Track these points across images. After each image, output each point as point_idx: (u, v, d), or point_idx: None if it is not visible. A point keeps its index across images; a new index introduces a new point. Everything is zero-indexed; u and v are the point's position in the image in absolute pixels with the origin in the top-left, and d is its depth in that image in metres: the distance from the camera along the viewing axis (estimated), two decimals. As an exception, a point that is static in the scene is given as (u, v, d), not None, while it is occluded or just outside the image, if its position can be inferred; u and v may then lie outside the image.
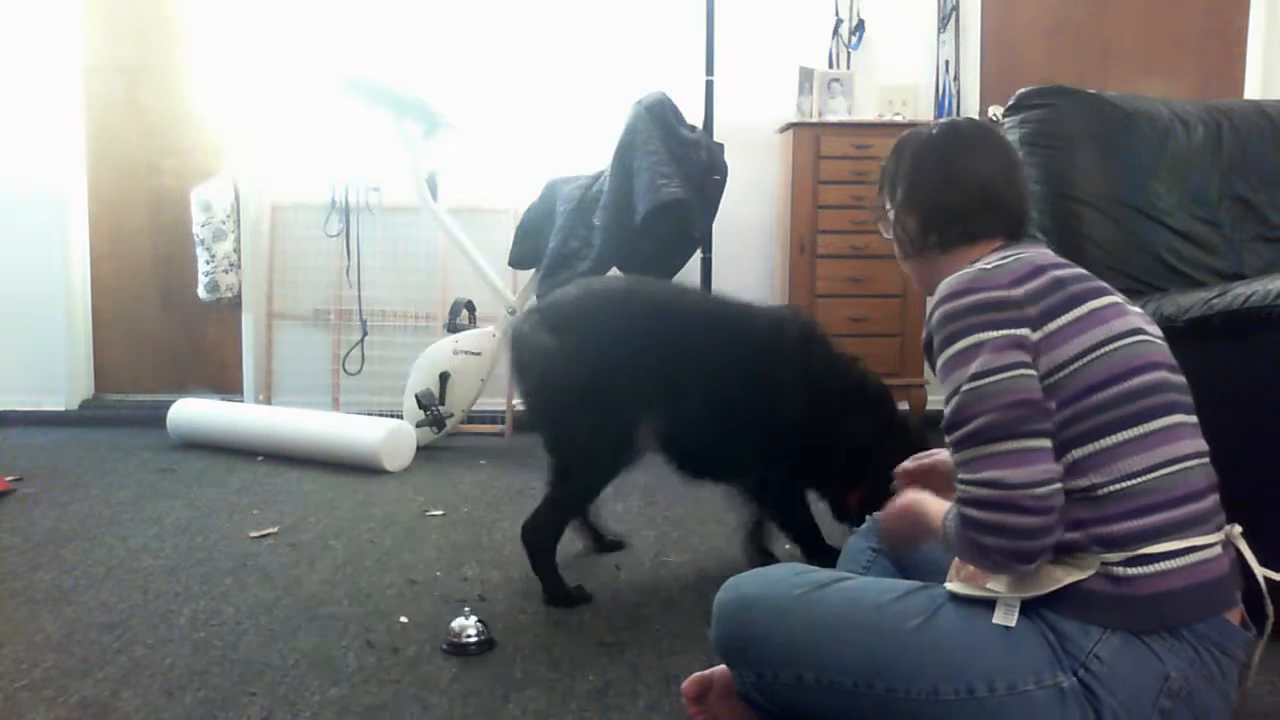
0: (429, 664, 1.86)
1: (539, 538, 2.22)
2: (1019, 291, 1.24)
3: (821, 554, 2.27)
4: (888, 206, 1.49)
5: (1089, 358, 1.21)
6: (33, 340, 4.33)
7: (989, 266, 1.28)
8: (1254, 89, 4.29)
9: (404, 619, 2.08)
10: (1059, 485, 1.18)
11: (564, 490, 2.27)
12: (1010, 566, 1.19)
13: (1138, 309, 1.31)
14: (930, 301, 1.33)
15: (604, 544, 2.55)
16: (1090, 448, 1.20)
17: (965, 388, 1.21)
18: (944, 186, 1.41)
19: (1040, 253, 1.33)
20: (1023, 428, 1.18)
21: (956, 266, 1.35)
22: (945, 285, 1.29)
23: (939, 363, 1.26)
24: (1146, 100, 2.71)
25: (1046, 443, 1.19)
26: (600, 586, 2.28)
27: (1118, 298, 1.29)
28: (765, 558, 2.44)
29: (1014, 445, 1.18)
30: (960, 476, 1.21)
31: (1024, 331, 1.22)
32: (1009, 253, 1.32)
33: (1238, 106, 2.79)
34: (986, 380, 1.20)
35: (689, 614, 2.10)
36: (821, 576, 1.36)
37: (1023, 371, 1.20)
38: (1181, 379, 1.28)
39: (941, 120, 1.50)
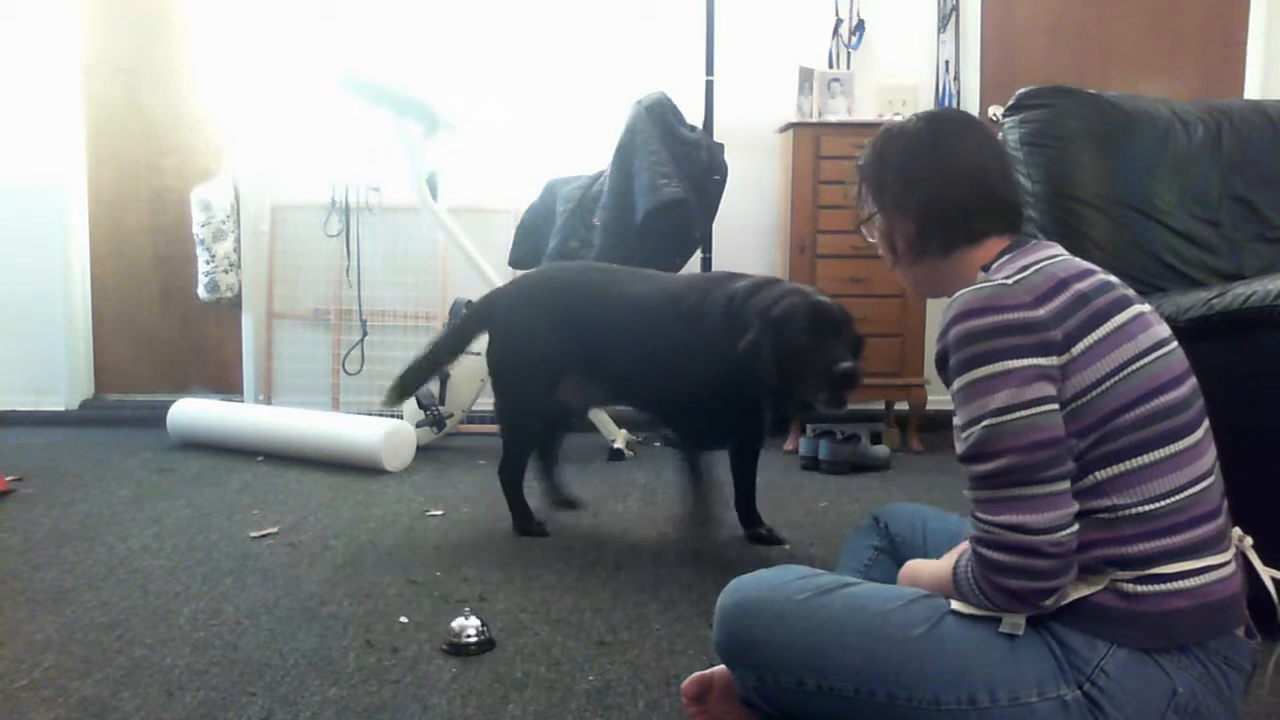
0: (429, 664, 1.86)
1: (504, 478, 2.78)
2: (1042, 311, 1.17)
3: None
4: (873, 211, 1.41)
5: (1116, 378, 1.17)
6: (33, 340, 4.33)
7: (1009, 281, 1.20)
8: (1254, 89, 4.29)
9: (404, 619, 2.08)
10: (1076, 527, 1.15)
11: (508, 438, 2.80)
12: (1031, 606, 1.17)
13: (1149, 307, 1.26)
14: (930, 304, 1.32)
15: (560, 500, 2.95)
16: (1115, 469, 1.16)
17: (987, 423, 1.16)
18: (940, 184, 1.32)
19: (1059, 261, 1.25)
20: (1046, 471, 1.14)
21: (961, 270, 1.31)
22: (963, 300, 1.20)
23: (956, 385, 1.20)
24: (1146, 100, 2.71)
25: (1066, 484, 1.15)
26: (600, 586, 2.28)
27: (1140, 306, 1.24)
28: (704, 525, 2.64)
29: (1037, 490, 1.14)
30: (978, 516, 1.18)
31: (1049, 360, 1.16)
32: (1027, 262, 1.24)
33: (1238, 106, 2.79)
34: (1010, 417, 1.15)
35: (689, 614, 2.10)
36: (825, 581, 1.33)
37: (1047, 408, 1.15)
38: (1195, 381, 1.24)
39: (919, 113, 1.40)
